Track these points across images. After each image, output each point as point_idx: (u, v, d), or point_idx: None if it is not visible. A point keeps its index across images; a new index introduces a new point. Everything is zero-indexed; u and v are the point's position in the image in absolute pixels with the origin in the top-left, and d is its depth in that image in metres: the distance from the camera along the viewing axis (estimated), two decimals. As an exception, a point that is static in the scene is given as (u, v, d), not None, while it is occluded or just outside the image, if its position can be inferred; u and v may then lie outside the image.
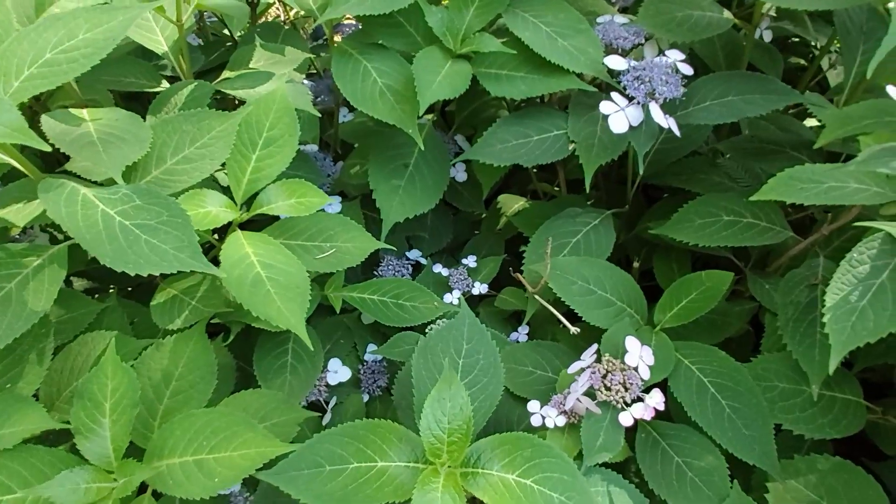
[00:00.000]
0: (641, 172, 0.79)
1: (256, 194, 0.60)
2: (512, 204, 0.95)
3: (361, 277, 0.85)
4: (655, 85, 0.60)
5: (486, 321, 0.82)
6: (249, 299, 0.51)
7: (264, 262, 0.55)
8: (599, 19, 0.75)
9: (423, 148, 0.68)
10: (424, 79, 0.65)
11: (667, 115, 0.60)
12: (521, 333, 0.77)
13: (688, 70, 0.64)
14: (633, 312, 0.67)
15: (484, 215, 0.94)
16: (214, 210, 0.55)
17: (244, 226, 0.61)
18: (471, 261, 0.83)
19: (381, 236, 0.73)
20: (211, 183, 0.62)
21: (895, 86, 0.51)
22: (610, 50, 0.71)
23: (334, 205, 0.82)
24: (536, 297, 0.69)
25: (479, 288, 0.79)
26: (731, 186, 0.74)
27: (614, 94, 0.62)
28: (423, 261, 0.86)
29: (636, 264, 0.83)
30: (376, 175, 0.75)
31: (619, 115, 0.61)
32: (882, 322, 0.43)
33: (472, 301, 0.83)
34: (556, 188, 0.94)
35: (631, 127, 0.61)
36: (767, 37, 0.79)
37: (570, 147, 0.68)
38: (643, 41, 0.71)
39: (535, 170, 0.91)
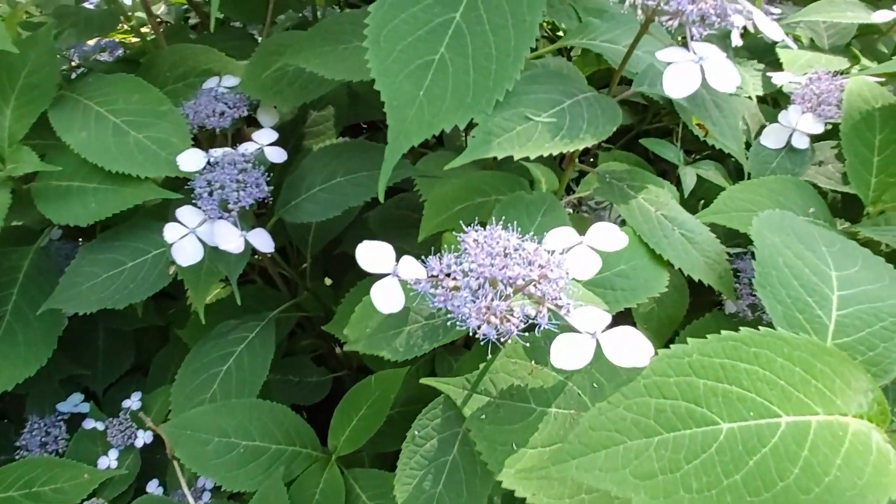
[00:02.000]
0: (309, 256, 0.68)
1: None
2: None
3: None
4: (227, 192, 0.47)
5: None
6: None
7: None
8: (206, 84, 0.61)
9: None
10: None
11: (245, 232, 0.47)
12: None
13: (278, 157, 0.51)
14: (301, 448, 0.55)
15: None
16: None
17: None
18: (134, 401, 0.67)
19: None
20: None
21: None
22: (204, 134, 0.57)
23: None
24: (174, 461, 0.55)
25: (144, 437, 0.64)
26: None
27: (183, 211, 0.48)
28: (87, 407, 0.69)
29: (338, 350, 0.72)
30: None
31: (187, 242, 0.47)
32: (455, 511, 0.34)
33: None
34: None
35: (213, 249, 0.48)
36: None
37: (171, 270, 0.54)
38: (244, 113, 0.57)
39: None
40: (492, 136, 0.33)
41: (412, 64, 0.33)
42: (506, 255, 0.26)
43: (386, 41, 0.33)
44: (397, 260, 0.29)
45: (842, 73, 0.59)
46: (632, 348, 0.25)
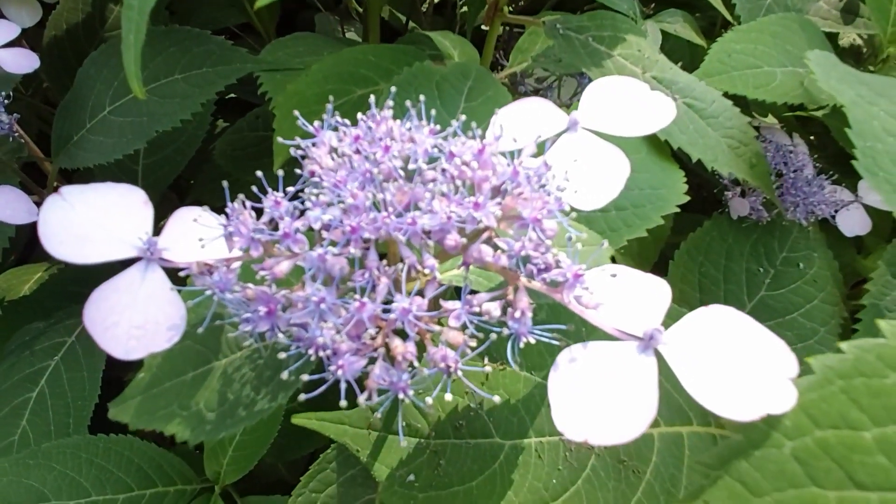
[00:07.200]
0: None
1: None
2: (24, 281, 0.59)
3: None
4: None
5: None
6: None
7: None
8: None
9: None
10: None
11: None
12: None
13: (22, 63, 0.31)
14: (167, 487, 0.39)
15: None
16: None
17: None
18: (-75, 451, 0.47)
19: None
20: None
21: None
22: None
23: None
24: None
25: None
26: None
27: None
28: None
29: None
30: None
31: None
32: None
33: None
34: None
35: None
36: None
37: None
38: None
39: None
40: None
41: None
42: (411, 177, 0.10)
43: None
44: (159, 222, 0.12)
45: None
46: (749, 371, 0.10)
